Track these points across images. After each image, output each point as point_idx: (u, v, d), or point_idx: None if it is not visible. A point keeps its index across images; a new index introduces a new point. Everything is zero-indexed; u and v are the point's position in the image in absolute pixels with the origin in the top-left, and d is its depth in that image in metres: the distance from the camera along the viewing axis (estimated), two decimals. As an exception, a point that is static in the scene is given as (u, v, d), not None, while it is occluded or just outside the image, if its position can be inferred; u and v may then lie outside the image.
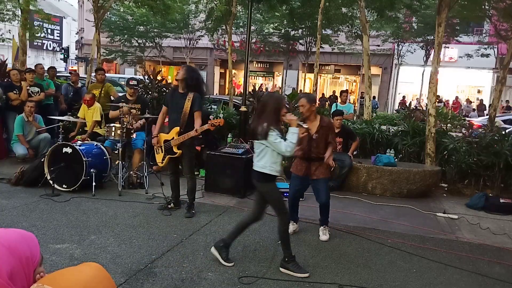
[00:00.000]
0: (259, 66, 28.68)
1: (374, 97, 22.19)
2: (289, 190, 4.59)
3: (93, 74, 9.21)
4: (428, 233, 4.79)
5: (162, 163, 4.99)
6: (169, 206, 5.05)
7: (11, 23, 11.20)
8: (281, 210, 3.57)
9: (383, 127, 8.16)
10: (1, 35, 14.79)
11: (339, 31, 19.16)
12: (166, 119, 5.14)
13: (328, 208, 4.38)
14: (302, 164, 4.31)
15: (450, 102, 22.96)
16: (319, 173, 4.26)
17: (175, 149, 4.80)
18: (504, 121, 12.00)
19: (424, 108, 10.35)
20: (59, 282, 1.24)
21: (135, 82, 6.47)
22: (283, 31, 21.22)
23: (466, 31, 20.30)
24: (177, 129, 4.77)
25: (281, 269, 3.55)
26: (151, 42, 22.89)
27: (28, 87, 7.46)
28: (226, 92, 22.79)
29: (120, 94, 7.97)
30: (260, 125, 3.39)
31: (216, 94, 14.83)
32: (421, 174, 6.34)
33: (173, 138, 4.80)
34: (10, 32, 16.67)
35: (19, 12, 10.35)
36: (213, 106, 9.79)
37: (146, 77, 8.88)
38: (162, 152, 4.95)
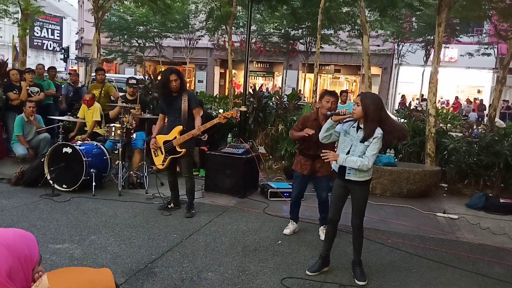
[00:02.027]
0: (259, 66, 28.68)
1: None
2: (293, 190, 4.56)
3: (93, 74, 9.22)
4: (428, 233, 4.79)
5: (163, 165, 4.92)
6: (169, 206, 5.05)
7: (1, 20, 11.05)
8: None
9: None
10: None
11: (340, 30, 19.15)
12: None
13: (328, 206, 4.37)
14: (306, 161, 4.28)
15: (450, 102, 22.96)
16: (324, 170, 4.23)
17: (178, 148, 4.78)
18: None
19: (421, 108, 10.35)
20: (60, 279, 1.24)
21: (134, 81, 6.48)
22: (283, 31, 21.22)
23: (466, 31, 20.29)
24: (179, 128, 4.74)
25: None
26: (151, 42, 22.90)
27: (27, 87, 7.46)
28: (226, 92, 22.78)
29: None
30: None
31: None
32: (421, 174, 6.34)
33: (175, 137, 4.77)
34: (1, 30, 16.58)
35: (11, 9, 10.24)
36: None
37: (146, 77, 8.88)
38: (162, 154, 4.92)
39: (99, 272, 1.38)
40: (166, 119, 5.05)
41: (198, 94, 11.78)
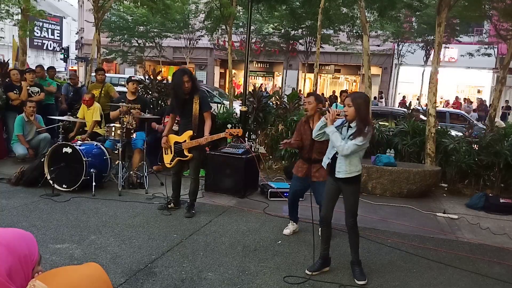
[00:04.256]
0: (259, 66, 28.68)
1: (375, 98, 22.21)
2: (289, 190, 4.58)
3: (93, 74, 9.22)
4: (428, 233, 4.79)
5: (170, 164, 4.98)
6: (169, 206, 5.05)
7: (2, 21, 11.10)
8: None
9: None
10: None
11: (340, 31, 19.16)
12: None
13: None
14: (303, 165, 4.29)
15: (450, 102, 22.96)
16: (319, 175, 4.18)
17: (186, 152, 4.81)
18: None
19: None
20: (52, 279, 1.24)
21: (136, 78, 6.57)
22: (283, 31, 21.23)
23: (466, 31, 20.29)
24: (189, 133, 4.78)
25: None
26: (151, 42, 22.90)
27: (28, 87, 7.46)
28: (226, 92, 22.79)
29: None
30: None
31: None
32: (421, 174, 6.34)
33: (185, 141, 4.80)
34: (3, 31, 16.60)
35: (13, 10, 10.29)
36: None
37: (146, 77, 8.89)
38: (171, 153, 4.95)
39: (89, 268, 1.37)
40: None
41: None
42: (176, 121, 5.46)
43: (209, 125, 4.79)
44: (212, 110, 8.75)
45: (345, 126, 3.43)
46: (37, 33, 36.35)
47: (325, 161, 3.58)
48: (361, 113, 3.30)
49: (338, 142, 3.31)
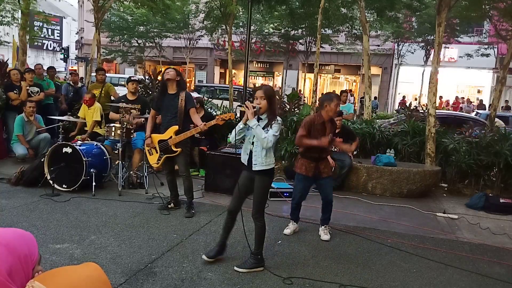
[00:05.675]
0: (259, 66, 28.70)
1: (375, 98, 22.22)
2: (295, 192, 4.50)
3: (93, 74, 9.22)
4: (428, 233, 4.79)
5: (157, 163, 4.97)
6: (169, 206, 5.05)
7: (10, 26, 11.16)
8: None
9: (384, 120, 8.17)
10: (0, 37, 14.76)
11: (339, 31, 19.17)
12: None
13: (332, 206, 4.41)
14: (311, 164, 4.27)
15: (450, 102, 22.96)
16: (328, 170, 4.35)
17: (174, 148, 4.80)
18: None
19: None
20: (51, 279, 1.24)
21: (136, 78, 6.57)
22: (283, 31, 21.24)
23: (466, 31, 20.29)
24: (175, 127, 4.78)
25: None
26: (151, 42, 22.91)
27: (27, 87, 7.45)
28: (226, 92, 22.75)
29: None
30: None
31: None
32: (421, 174, 6.34)
33: (170, 137, 4.79)
34: (8, 35, 16.68)
35: (18, 15, 10.34)
36: None
37: (146, 77, 8.89)
38: (157, 152, 4.94)
39: (88, 268, 1.37)
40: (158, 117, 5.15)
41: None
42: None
43: (198, 118, 4.86)
44: (212, 111, 8.81)
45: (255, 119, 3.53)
46: (37, 33, 36.31)
47: (244, 157, 3.61)
48: (273, 106, 3.48)
49: (263, 134, 3.38)
